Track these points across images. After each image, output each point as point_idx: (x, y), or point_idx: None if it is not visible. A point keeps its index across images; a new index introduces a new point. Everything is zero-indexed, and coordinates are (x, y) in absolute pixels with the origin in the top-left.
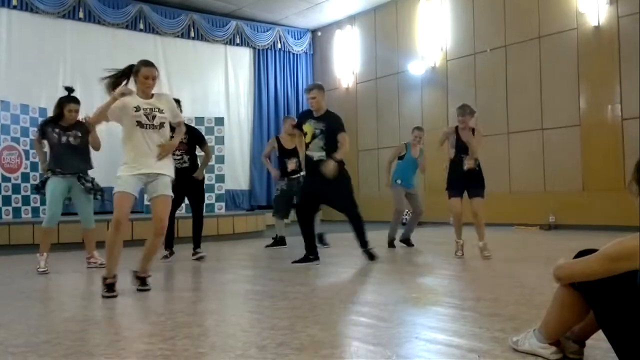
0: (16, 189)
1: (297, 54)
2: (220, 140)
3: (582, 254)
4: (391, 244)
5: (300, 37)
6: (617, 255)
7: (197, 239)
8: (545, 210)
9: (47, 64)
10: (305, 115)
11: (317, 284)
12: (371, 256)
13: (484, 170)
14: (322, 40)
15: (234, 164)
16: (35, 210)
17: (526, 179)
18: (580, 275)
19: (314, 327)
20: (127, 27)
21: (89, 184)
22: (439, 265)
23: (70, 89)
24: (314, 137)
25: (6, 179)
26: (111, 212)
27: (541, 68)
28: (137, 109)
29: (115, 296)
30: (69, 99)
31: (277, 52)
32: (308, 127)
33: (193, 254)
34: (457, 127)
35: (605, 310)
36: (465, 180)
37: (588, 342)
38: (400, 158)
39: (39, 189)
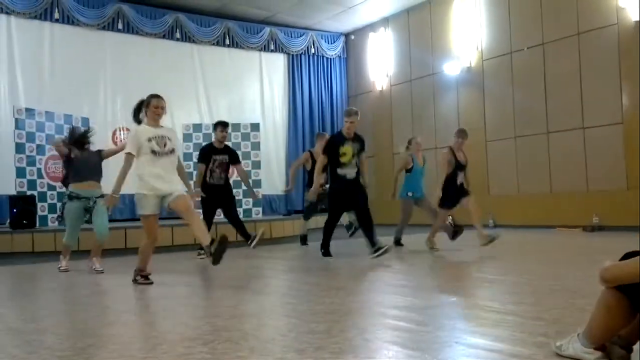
0: (61, 197)
1: (330, 58)
2: (256, 146)
3: (628, 255)
4: (397, 243)
5: (334, 42)
6: None
7: (244, 234)
8: (589, 211)
9: (89, 75)
10: (340, 139)
11: (353, 287)
12: (384, 250)
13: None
14: (356, 44)
15: (270, 169)
16: None
17: (568, 179)
18: (627, 278)
19: (351, 331)
20: (164, 37)
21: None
22: (475, 269)
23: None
24: (353, 156)
25: (52, 188)
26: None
27: (581, 65)
28: (150, 139)
29: (151, 283)
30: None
31: (310, 57)
32: (348, 149)
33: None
34: (451, 148)
35: None
36: (457, 193)
37: (635, 347)
38: (408, 171)
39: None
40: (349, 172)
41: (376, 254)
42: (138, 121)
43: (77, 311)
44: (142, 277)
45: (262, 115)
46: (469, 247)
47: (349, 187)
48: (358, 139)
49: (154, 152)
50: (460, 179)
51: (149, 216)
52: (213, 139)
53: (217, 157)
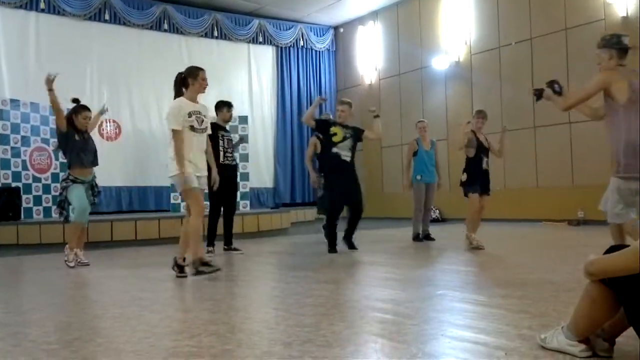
0: (46, 189)
1: (319, 51)
2: (244, 139)
3: (613, 249)
4: (416, 238)
5: (323, 34)
6: None
7: (229, 236)
8: (574, 206)
9: (75, 66)
10: (328, 122)
11: (341, 281)
12: (353, 246)
13: (511, 164)
14: (345, 37)
15: (258, 162)
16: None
17: (554, 173)
18: (612, 271)
19: (339, 324)
20: (151, 28)
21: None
22: (464, 262)
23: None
24: (344, 139)
25: (37, 179)
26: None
27: (568, 60)
28: (190, 114)
29: (185, 276)
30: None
31: (299, 50)
32: (338, 130)
33: (226, 249)
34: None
35: (636, 307)
36: (483, 178)
37: (618, 339)
38: (415, 155)
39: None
40: (343, 153)
41: (348, 243)
42: (179, 94)
43: (63, 304)
44: (179, 268)
45: (250, 107)
46: (457, 241)
47: (345, 168)
48: (350, 127)
49: (192, 128)
50: (484, 164)
51: (196, 189)
52: (217, 119)
53: (226, 134)
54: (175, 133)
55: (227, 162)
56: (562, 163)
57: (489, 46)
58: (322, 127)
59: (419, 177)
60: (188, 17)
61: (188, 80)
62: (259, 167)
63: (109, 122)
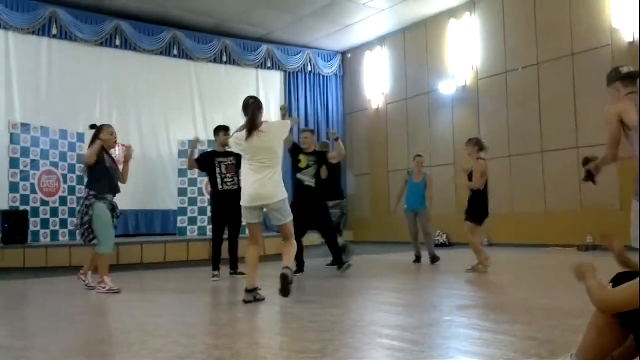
0: (54, 212)
1: (327, 76)
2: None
3: (620, 276)
4: (417, 260)
5: (330, 60)
6: None
7: (234, 261)
8: (583, 231)
9: (85, 91)
10: (299, 149)
11: (347, 306)
12: (346, 266)
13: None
14: (352, 62)
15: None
16: (72, 234)
17: (562, 198)
18: (624, 307)
19: (344, 350)
20: (161, 54)
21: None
22: (470, 288)
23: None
24: (307, 166)
25: (45, 203)
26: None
27: (575, 86)
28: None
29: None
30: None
31: (307, 75)
32: (303, 157)
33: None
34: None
35: None
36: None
37: None
38: (406, 185)
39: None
40: (307, 179)
41: (341, 269)
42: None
43: (68, 328)
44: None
45: None
46: (462, 266)
47: (308, 193)
48: (314, 154)
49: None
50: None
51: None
52: (216, 145)
53: (223, 159)
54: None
55: (226, 187)
56: (570, 188)
57: (496, 71)
58: (294, 151)
59: (405, 207)
60: (197, 42)
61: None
62: None
63: (118, 146)
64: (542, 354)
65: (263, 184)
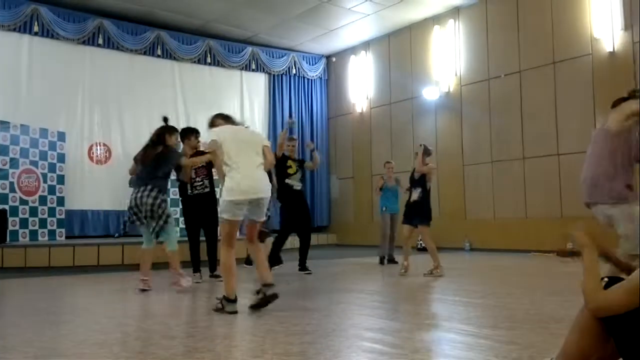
0: (33, 211)
1: (311, 79)
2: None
3: (612, 280)
4: (381, 261)
5: (315, 63)
6: None
7: (213, 263)
8: (563, 237)
9: (67, 90)
10: (285, 156)
11: (329, 309)
12: (306, 269)
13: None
14: (337, 66)
15: None
16: (52, 233)
17: (542, 204)
18: (619, 309)
19: (326, 353)
20: (144, 53)
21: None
22: (452, 292)
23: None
24: (296, 171)
25: (24, 202)
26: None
27: (556, 94)
28: None
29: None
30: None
31: (291, 78)
32: (292, 163)
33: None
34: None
35: (627, 339)
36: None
37: None
38: (382, 190)
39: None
40: (295, 184)
41: (303, 272)
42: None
43: (46, 329)
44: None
45: None
46: (446, 270)
47: (299, 197)
48: (298, 160)
49: None
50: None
51: None
52: (183, 148)
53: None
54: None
55: (196, 192)
56: (550, 194)
57: (479, 78)
58: (282, 158)
59: (384, 209)
60: (181, 43)
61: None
62: None
63: (99, 145)
64: (522, 357)
65: (258, 177)
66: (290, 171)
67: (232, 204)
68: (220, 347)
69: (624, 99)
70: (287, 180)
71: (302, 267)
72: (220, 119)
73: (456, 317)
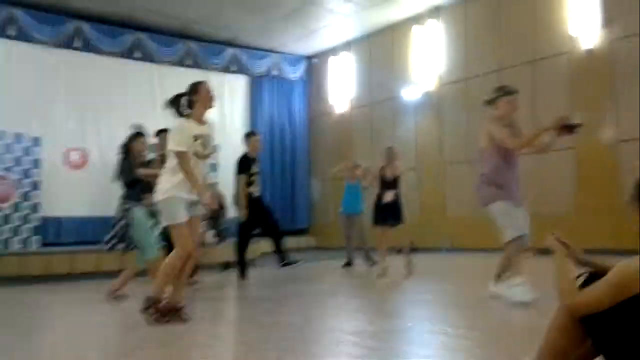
0: (6, 219)
1: (292, 81)
2: (214, 168)
3: (592, 276)
4: (346, 265)
5: (296, 64)
6: (621, 282)
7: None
8: (540, 235)
9: (43, 94)
10: (249, 158)
11: (309, 313)
12: (291, 263)
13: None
14: (318, 67)
15: (229, 193)
16: (27, 241)
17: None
18: (596, 308)
19: (305, 357)
20: (122, 56)
21: None
22: (432, 293)
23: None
24: (257, 174)
25: None
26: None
27: (534, 92)
28: (196, 138)
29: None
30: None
31: (272, 79)
32: (255, 167)
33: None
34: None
35: (604, 338)
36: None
37: None
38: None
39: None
40: (255, 191)
41: (284, 266)
42: (179, 114)
43: (24, 341)
44: (157, 311)
45: (222, 136)
46: (425, 272)
47: (259, 206)
48: (258, 160)
49: (197, 154)
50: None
51: (183, 223)
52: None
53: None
54: (182, 155)
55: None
56: (529, 192)
57: (458, 77)
58: (246, 162)
59: (340, 209)
60: (161, 45)
61: (193, 98)
62: (228, 197)
63: (75, 150)
64: (501, 358)
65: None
66: (253, 179)
67: (185, 203)
68: (195, 354)
69: None
70: (249, 189)
71: (283, 261)
72: None
73: (436, 318)
